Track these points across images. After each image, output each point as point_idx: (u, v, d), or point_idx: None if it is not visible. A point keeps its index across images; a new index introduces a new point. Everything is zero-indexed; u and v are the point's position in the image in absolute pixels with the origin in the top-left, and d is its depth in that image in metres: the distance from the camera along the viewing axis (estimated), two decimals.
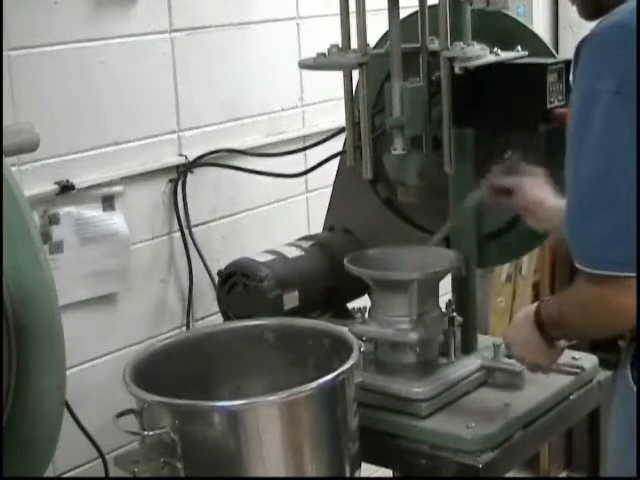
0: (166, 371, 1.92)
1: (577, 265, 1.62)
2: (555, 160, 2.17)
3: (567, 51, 3.67)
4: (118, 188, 2.33)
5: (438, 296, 2.14)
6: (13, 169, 1.72)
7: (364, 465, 1.92)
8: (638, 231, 1.59)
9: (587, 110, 1.58)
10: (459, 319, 2.14)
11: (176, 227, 2.48)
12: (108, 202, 2.31)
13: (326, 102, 2.80)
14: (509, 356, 2.16)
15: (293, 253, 2.28)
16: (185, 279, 2.51)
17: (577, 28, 3.72)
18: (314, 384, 1.73)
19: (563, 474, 3.65)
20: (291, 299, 2.20)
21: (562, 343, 1.91)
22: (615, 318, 1.63)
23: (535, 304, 1.89)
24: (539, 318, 1.84)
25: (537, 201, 2.04)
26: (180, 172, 2.47)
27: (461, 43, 1.98)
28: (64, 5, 2.18)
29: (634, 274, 1.56)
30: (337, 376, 1.76)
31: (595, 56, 1.59)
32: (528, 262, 3.57)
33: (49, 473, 2.19)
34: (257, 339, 2.03)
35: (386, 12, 2.04)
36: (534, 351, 1.89)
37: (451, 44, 1.99)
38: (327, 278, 2.28)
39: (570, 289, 1.73)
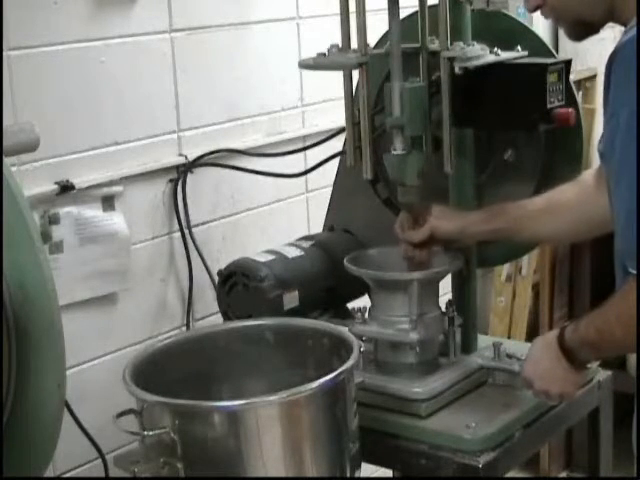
0: (166, 371, 1.92)
1: (631, 270, 1.61)
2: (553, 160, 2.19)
3: (567, 51, 3.69)
4: (118, 188, 2.33)
5: (438, 296, 2.14)
6: (13, 169, 1.72)
7: (364, 465, 1.92)
8: (638, 231, 1.59)
9: (635, 119, 1.57)
10: (459, 319, 2.14)
11: (176, 227, 2.48)
12: (108, 202, 2.31)
13: (326, 102, 2.80)
14: (509, 356, 2.16)
15: (293, 253, 2.28)
16: (185, 279, 2.51)
17: None
18: (314, 384, 1.73)
19: (563, 474, 3.65)
20: (291, 299, 2.20)
21: (592, 365, 1.90)
22: None
23: (552, 333, 1.86)
24: (565, 345, 1.82)
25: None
26: (180, 172, 2.47)
27: (461, 43, 1.98)
28: (64, 5, 2.18)
29: None
30: (337, 376, 1.76)
31: (632, 67, 1.58)
32: (528, 262, 3.57)
33: (49, 473, 2.19)
34: (257, 339, 2.03)
35: (386, 12, 2.04)
36: (560, 381, 1.87)
37: (451, 44, 1.98)
38: (327, 278, 2.28)
39: (609, 303, 1.71)
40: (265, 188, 2.69)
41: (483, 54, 2.00)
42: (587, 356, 1.84)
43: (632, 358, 3.33)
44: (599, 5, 1.75)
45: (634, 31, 1.62)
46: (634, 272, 1.61)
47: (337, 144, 2.40)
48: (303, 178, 2.67)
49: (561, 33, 3.77)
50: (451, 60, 1.98)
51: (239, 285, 2.20)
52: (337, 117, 2.33)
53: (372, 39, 2.11)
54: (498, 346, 2.15)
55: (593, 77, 3.68)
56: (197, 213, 2.52)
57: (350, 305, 2.29)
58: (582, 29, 1.79)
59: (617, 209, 1.67)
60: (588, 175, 2.07)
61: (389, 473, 2.56)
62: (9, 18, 2.04)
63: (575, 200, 2.04)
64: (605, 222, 1.81)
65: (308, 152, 2.62)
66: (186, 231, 2.48)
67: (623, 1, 1.72)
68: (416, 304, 2.05)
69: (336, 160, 2.41)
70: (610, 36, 3.59)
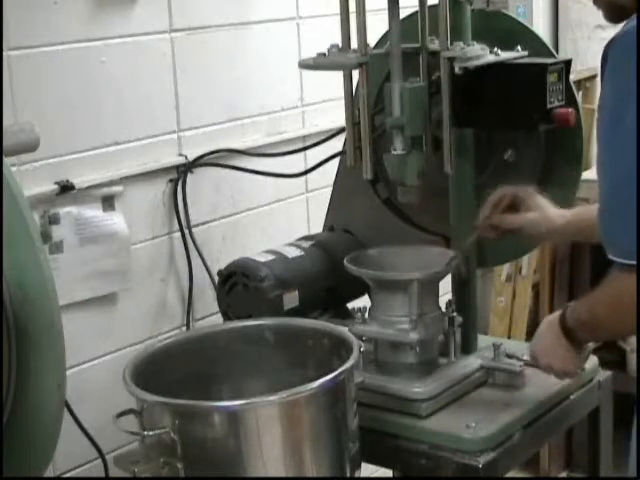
0: (166, 371, 1.92)
1: (611, 257, 1.65)
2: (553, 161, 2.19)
3: (567, 51, 3.68)
4: (118, 188, 2.33)
5: (438, 296, 2.14)
6: (13, 169, 1.72)
7: (364, 465, 1.92)
8: (638, 230, 1.60)
9: (620, 109, 1.61)
10: (459, 319, 2.14)
11: (176, 227, 2.48)
12: (108, 202, 2.31)
13: (326, 102, 2.80)
14: (509, 356, 2.17)
15: (293, 253, 2.28)
16: (185, 279, 2.51)
17: (577, 28, 3.72)
18: (314, 384, 1.73)
19: (563, 474, 3.65)
20: (291, 299, 2.20)
21: (590, 346, 1.93)
22: None
23: (558, 312, 1.91)
24: (565, 324, 1.87)
25: (541, 213, 2.06)
26: (180, 172, 2.47)
27: (461, 43, 1.98)
28: (64, 5, 2.18)
29: None
30: (337, 376, 1.76)
31: (626, 56, 1.61)
32: (528, 262, 3.57)
33: (49, 473, 2.19)
34: (257, 339, 2.03)
35: (386, 12, 2.04)
36: (562, 358, 1.92)
37: (451, 44, 1.99)
38: (327, 278, 2.28)
39: (601, 288, 1.75)
40: (265, 188, 2.69)
41: (483, 54, 2.00)
42: (584, 336, 1.88)
43: (632, 358, 3.33)
44: None
45: (632, 22, 1.64)
46: (614, 259, 1.64)
47: (337, 144, 2.40)
48: (303, 178, 2.67)
49: (561, 33, 3.79)
50: (451, 60, 1.98)
51: (239, 285, 2.20)
52: (337, 117, 2.33)
53: (372, 39, 2.11)
54: (498, 346, 2.15)
55: (593, 77, 3.68)
56: (197, 213, 2.52)
57: (350, 305, 2.29)
58: (616, 12, 1.81)
59: (601, 190, 1.69)
60: None
61: (389, 473, 2.57)
62: (9, 18, 2.04)
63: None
64: None
65: (308, 152, 2.62)
66: (186, 231, 2.48)
67: None
68: (416, 304, 2.05)
69: (336, 160, 2.41)
70: (610, 36, 3.60)
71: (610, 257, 1.65)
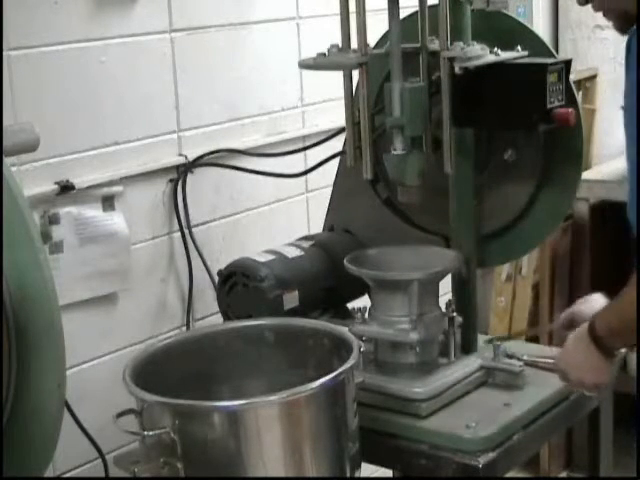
0: (166, 371, 1.92)
1: None
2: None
3: (567, 51, 3.68)
4: (118, 188, 2.33)
5: (438, 296, 2.14)
6: (13, 169, 1.72)
7: (364, 465, 1.92)
8: (638, 230, 1.60)
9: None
10: (459, 319, 2.14)
11: (176, 227, 2.48)
12: (108, 202, 2.31)
13: (326, 102, 2.80)
14: (509, 356, 2.16)
15: (293, 253, 2.28)
16: (185, 279, 2.51)
17: (577, 28, 3.72)
18: (314, 384, 1.73)
19: (563, 474, 3.65)
20: (291, 299, 2.20)
21: (621, 352, 1.93)
22: None
23: (584, 325, 1.89)
24: (595, 334, 1.85)
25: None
26: (180, 172, 2.47)
27: (461, 43, 1.98)
28: (64, 5, 2.18)
29: None
30: (337, 376, 1.76)
31: None
32: (528, 262, 3.57)
33: (49, 473, 2.19)
34: (257, 339, 2.03)
35: (386, 12, 2.04)
36: (594, 370, 1.90)
37: (451, 44, 1.99)
38: (327, 278, 2.28)
39: (628, 289, 1.74)
40: (265, 188, 2.69)
41: (483, 54, 2.00)
42: (615, 343, 1.87)
43: (632, 358, 3.33)
44: None
45: None
46: None
47: (337, 144, 2.40)
48: (303, 178, 2.67)
49: (561, 33, 3.79)
50: (451, 60, 1.98)
51: (239, 285, 2.20)
52: (337, 117, 2.33)
53: (372, 39, 2.11)
54: (498, 346, 2.15)
55: (593, 77, 3.68)
56: (197, 213, 2.52)
57: (350, 305, 2.29)
58: (625, 21, 1.83)
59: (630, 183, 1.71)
60: None
61: (389, 473, 2.56)
62: (9, 18, 2.04)
63: None
64: None
65: (308, 152, 2.62)
66: (186, 231, 2.48)
67: None
68: (416, 304, 2.05)
69: (336, 160, 2.41)
70: (611, 36, 3.60)
71: None
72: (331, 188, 2.47)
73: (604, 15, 1.88)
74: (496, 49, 2.02)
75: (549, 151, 2.18)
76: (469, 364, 2.15)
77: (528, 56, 2.06)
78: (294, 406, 1.74)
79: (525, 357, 2.15)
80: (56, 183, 2.20)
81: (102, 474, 2.28)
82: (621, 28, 1.85)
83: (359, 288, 2.22)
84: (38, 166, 2.16)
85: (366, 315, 2.12)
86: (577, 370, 1.92)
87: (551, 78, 1.99)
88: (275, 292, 2.17)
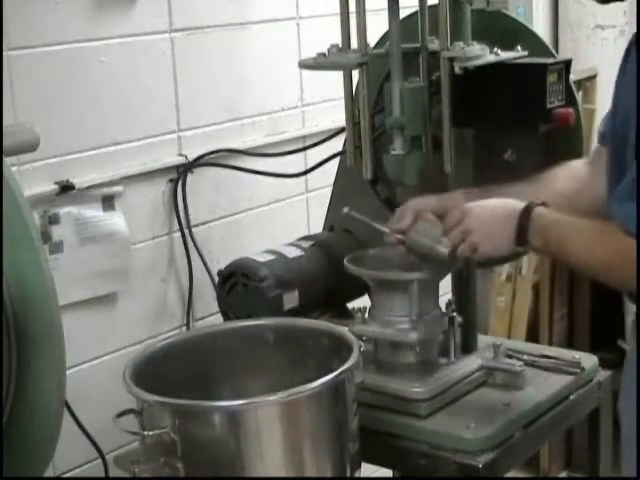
0: (166, 371, 1.92)
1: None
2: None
3: (567, 51, 3.67)
4: (118, 188, 2.33)
5: (438, 296, 2.13)
6: (13, 169, 1.72)
7: (364, 465, 1.91)
8: (638, 229, 1.60)
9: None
10: (459, 319, 2.14)
11: (176, 227, 2.48)
12: (108, 202, 2.32)
13: (326, 102, 2.81)
14: (509, 356, 2.17)
15: (293, 253, 2.28)
16: (185, 279, 2.51)
17: (577, 28, 3.72)
18: (314, 384, 1.73)
19: (563, 474, 3.65)
20: (291, 299, 2.19)
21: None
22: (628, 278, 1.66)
23: (521, 205, 1.84)
24: (526, 222, 1.82)
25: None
26: (180, 172, 2.47)
27: (461, 43, 1.98)
28: (64, 5, 2.18)
29: None
30: (337, 376, 1.76)
31: None
32: (528, 262, 3.57)
33: (49, 473, 2.19)
34: (257, 339, 2.03)
35: (386, 12, 2.04)
36: (497, 247, 1.88)
37: (451, 44, 1.98)
38: (327, 278, 2.28)
39: (599, 236, 1.74)
40: (265, 188, 2.69)
41: (483, 54, 2.00)
42: (537, 244, 1.83)
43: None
44: None
45: None
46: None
47: (337, 144, 2.40)
48: (303, 178, 2.67)
49: (561, 33, 3.78)
50: (451, 60, 1.98)
51: (239, 285, 2.20)
52: (337, 117, 2.34)
53: (372, 39, 2.11)
54: (498, 346, 2.15)
55: (593, 77, 3.68)
56: (197, 213, 2.53)
57: (350, 305, 2.29)
58: None
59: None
60: (580, 166, 2.07)
61: (389, 473, 2.56)
62: (9, 18, 2.04)
63: (572, 196, 2.03)
64: (601, 212, 1.82)
65: (308, 152, 2.62)
66: (186, 231, 2.48)
67: None
68: (416, 304, 2.05)
69: (336, 160, 2.41)
70: (611, 36, 3.60)
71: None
72: (331, 188, 2.47)
73: None
74: (496, 49, 2.01)
75: (549, 151, 2.18)
76: (469, 364, 2.15)
77: (528, 56, 2.06)
78: (294, 406, 1.73)
79: (525, 357, 2.15)
80: (56, 183, 2.20)
81: (102, 474, 2.28)
82: None
83: (359, 288, 2.22)
84: (38, 166, 2.17)
85: (366, 315, 2.12)
86: (483, 237, 1.87)
87: (551, 78, 1.99)
88: (275, 292, 2.16)
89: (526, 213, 1.83)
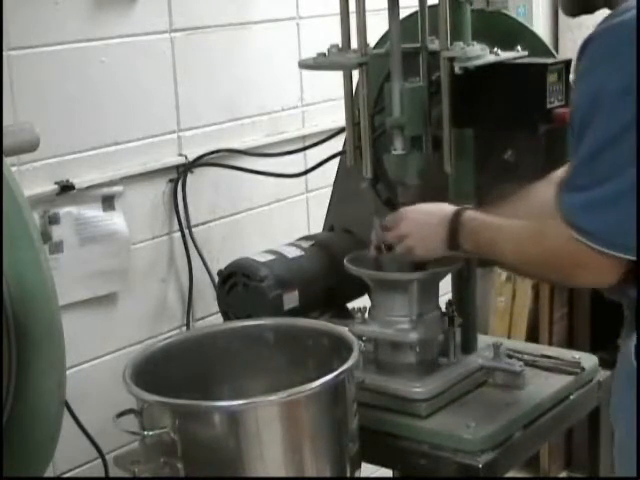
0: (166, 371, 1.92)
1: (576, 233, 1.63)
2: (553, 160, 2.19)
3: (567, 51, 3.68)
4: (118, 188, 2.33)
5: (438, 296, 2.14)
6: (13, 169, 1.72)
7: (364, 465, 1.92)
8: (638, 228, 1.59)
9: (594, 108, 1.59)
10: (459, 319, 2.14)
11: (176, 227, 2.48)
12: (108, 202, 2.31)
13: (326, 102, 2.81)
14: (509, 356, 2.17)
15: (293, 253, 2.28)
16: (185, 279, 2.51)
17: (577, 28, 3.72)
18: (314, 384, 1.73)
19: (563, 474, 3.65)
20: (291, 299, 2.19)
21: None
22: (572, 276, 1.69)
23: (452, 209, 1.90)
24: (456, 226, 1.86)
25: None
26: (180, 172, 2.47)
27: (461, 43, 1.98)
28: (64, 5, 2.18)
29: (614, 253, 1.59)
30: (337, 376, 1.76)
31: (604, 54, 1.60)
32: None
33: (49, 473, 2.19)
34: (257, 339, 2.03)
35: (386, 12, 2.04)
36: (431, 251, 1.94)
37: (451, 44, 1.98)
38: (327, 278, 2.28)
39: (531, 233, 1.74)
40: (265, 188, 2.69)
41: (483, 54, 2.00)
42: (468, 247, 1.87)
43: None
44: None
45: (613, 20, 1.63)
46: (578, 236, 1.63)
47: (337, 144, 2.40)
48: (303, 178, 2.67)
49: (561, 33, 3.78)
50: (451, 60, 1.98)
51: (239, 285, 2.20)
52: (337, 117, 2.34)
53: (372, 39, 2.11)
54: (498, 346, 2.15)
55: None
56: (197, 213, 2.53)
57: (350, 305, 2.29)
58: (579, 5, 1.82)
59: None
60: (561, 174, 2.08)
61: (389, 473, 2.56)
62: (9, 18, 2.04)
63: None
64: None
65: (308, 152, 2.62)
66: (186, 231, 2.48)
67: None
68: (416, 304, 2.05)
69: (336, 160, 2.41)
70: None
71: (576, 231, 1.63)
72: (331, 188, 2.47)
73: None
74: (496, 49, 2.01)
75: (549, 151, 2.17)
76: (469, 364, 2.15)
77: (528, 56, 2.06)
78: (294, 406, 1.74)
79: (525, 357, 2.15)
80: (56, 183, 2.20)
81: (102, 474, 2.28)
82: (571, 11, 1.86)
83: (359, 288, 2.22)
84: (38, 166, 2.16)
85: (366, 315, 2.12)
86: (417, 241, 1.94)
87: (551, 78, 1.99)
88: (275, 292, 2.16)
89: (456, 217, 1.88)
